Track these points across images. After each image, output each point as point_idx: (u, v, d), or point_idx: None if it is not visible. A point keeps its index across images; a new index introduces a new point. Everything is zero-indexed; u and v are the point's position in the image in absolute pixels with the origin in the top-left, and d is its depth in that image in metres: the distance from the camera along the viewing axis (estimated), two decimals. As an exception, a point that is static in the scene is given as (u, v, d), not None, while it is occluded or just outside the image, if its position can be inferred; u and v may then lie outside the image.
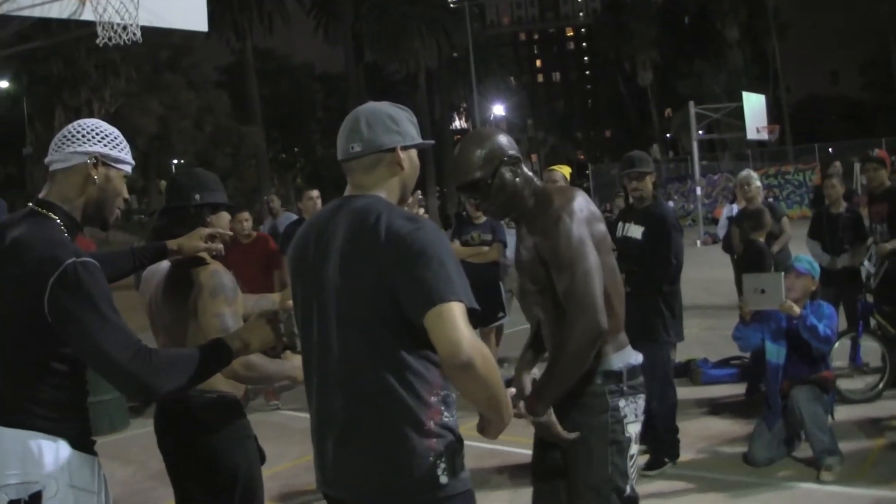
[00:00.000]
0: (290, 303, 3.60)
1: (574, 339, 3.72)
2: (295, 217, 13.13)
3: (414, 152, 3.42)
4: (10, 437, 3.19)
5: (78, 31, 11.47)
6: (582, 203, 3.96)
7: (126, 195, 3.58)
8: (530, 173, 4.12)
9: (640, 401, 4.07)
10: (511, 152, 4.02)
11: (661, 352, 7.45)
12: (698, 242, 33.66)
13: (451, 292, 2.95)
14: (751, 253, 9.65)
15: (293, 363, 4.26)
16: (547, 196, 4.02)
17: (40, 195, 3.43)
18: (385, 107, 3.40)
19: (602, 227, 4.03)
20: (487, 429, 3.30)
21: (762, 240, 9.68)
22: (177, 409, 4.26)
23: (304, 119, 76.46)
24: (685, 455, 7.67)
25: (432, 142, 3.71)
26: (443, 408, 3.14)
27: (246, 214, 11.02)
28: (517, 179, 4.03)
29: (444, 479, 3.09)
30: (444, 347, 2.90)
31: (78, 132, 3.41)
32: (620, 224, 7.83)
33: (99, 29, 9.32)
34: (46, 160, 3.44)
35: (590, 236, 3.86)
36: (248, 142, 61.63)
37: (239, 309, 4.28)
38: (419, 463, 3.08)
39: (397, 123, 3.34)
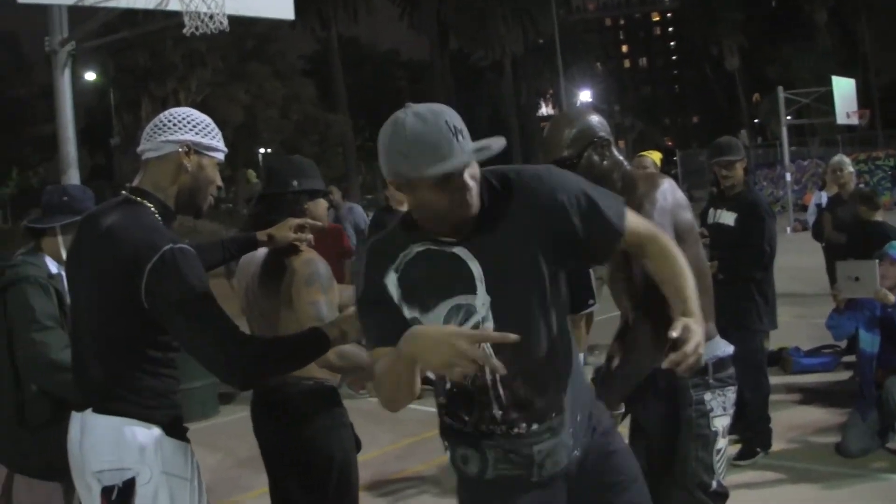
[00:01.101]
0: None
1: (644, 330, 3.64)
2: (357, 206, 14.63)
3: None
4: (104, 423, 3.23)
5: (164, 22, 11.56)
6: (667, 190, 3.85)
7: (220, 182, 3.59)
8: (620, 157, 4.03)
9: (730, 393, 3.97)
10: (601, 134, 3.93)
11: (754, 340, 7.36)
12: (788, 229, 33.21)
13: None
14: (870, 233, 9.33)
15: None
16: (633, 182, 3.92)
17: (133, 183, 3.45)
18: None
19: (688, 215, 3.93)
20: None
21: (879, 219, 9.46)
22: (274, 397, 4.27)
23: (390, 106, 75.37)
24: (777, 445, 7.56)
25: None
26: (441, 398, 3.20)
27: None
28: (605, 162, 3.93)
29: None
30: None
31: (170, 121, 3.42)
32: (712, 210, 7.74)
33: (186, 18, 9.39)
34: (139, 149, 3.46)
35: (672, 226, 3.76)
36: (335, 130, 61.88)
37: (334, 298, 4.25)
38: None
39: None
